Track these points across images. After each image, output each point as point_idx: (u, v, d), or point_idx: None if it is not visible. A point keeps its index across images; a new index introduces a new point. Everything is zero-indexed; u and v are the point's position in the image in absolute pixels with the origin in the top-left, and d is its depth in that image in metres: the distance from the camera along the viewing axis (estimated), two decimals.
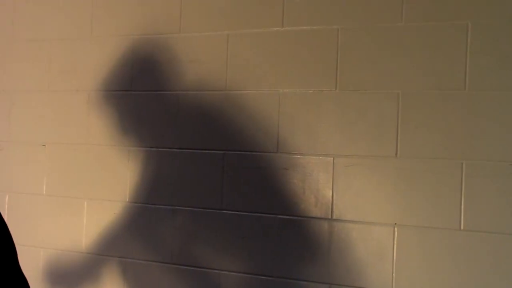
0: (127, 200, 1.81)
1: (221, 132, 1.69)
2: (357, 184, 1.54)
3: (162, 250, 1.76)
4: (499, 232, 1.41)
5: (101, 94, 1.86)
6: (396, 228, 1.50)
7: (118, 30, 1.84)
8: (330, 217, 1.57)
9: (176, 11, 1.76)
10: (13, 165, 1.99)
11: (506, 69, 1.41)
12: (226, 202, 1.68)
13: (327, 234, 1.57)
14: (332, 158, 1.57)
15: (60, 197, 1.91)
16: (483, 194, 1.42)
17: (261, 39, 1.65)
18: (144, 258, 1.78)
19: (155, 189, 1.77)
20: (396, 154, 1.51)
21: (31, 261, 1.93)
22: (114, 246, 1.82)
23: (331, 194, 1.57)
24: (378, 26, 1.53)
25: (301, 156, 1.60)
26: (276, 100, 1.63)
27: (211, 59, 1.71)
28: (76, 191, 1.88)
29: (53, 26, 1.95)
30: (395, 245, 1.50)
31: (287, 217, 1.61)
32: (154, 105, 1.78)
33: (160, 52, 1.78)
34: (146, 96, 1.79)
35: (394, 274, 1.50)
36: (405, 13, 1.51)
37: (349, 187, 1.55)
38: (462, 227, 1.44)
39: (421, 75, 1.49)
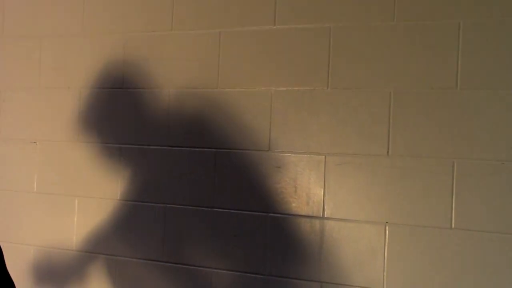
0: (118, 198, 1.80)
1: (213, 130, 1.68)
2: (349, 183, 1.54)
3: (153, 248, 1.75)
4: (490, 231, 1.41)
5: (93, 91, 1.85)
6: (387, 227, 1.50)
7: (110, 27, 1.83)
8: (321, 215, 1.57)
9: (168, 9, 1.76)
10: (4, 163, 1.98)
11: (497, 68, 1.42)
12: (217, 200, 1.68)
13: (319, 232, 1.57)
14: (323, 156, 1.57)
15: (51, 195, 1.90)
16: (474, 193, 1.43)
17: (253, 37, 1.65)
18: (135, 256, 1.78)
19: (146, 187, 1.77)
20: (387, 152, 1.51)
21: (22, 258, 1.92)
22: (105, 244, 1.82)
23: (322, 193, 1.57)
24: (370, 25, 1.53)
25: (293, 155, 1.60)
26: (268, 99, 1.63)
27: (203, 57, 1.71)
28: (67, 188, 1.88)
29: (44, 22, 1.93)
30: (387, 244, 1.50)
31: (279, 215, 1.61)
32: (146, 102, 1.77)
33: (152, 50, 1.77)
34: (138, 94, 1.79)
35: (385, 273, 1.50)
36: (397, 12, 1.51)
37: (340, 185, 1.55)
38: (453, 226, 1.44)
39: (413, 74, 1.49)
